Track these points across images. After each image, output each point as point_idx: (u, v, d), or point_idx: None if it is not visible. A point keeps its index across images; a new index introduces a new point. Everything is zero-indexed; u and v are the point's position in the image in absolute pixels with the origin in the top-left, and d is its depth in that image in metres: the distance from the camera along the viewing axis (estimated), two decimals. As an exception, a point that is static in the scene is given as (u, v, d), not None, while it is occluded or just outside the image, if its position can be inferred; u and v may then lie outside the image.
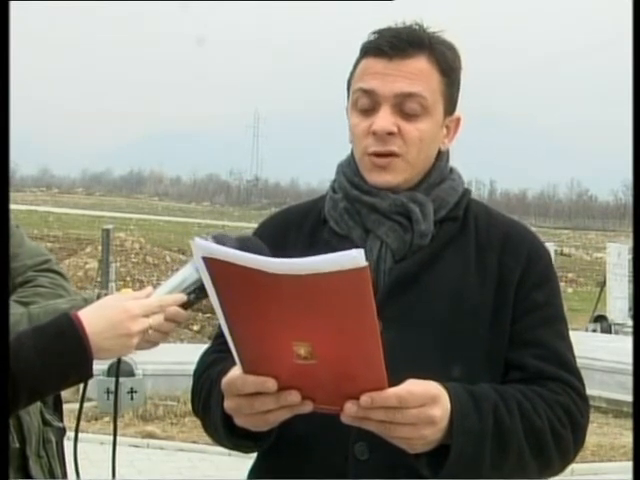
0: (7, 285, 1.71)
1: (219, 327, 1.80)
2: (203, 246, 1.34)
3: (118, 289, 13.70)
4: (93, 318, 1.58)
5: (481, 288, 1.67)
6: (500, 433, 1.53)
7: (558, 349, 1.67)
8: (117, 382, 1.86)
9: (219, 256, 1.32)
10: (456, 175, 1.79)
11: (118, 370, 1.82)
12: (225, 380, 1.48)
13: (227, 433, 1.60)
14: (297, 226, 1.79)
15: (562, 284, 27.97)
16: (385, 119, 1.66)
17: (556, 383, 1.64)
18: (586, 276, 32.07)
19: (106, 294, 1.86)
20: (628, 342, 10.80)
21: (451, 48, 1.73)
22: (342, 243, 1.66)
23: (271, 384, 1.40)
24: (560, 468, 1.65)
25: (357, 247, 1.29)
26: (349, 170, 1.77)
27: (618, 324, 16.18)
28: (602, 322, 16.46)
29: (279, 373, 1.40)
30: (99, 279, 15.25)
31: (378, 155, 1.69)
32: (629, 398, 8.71)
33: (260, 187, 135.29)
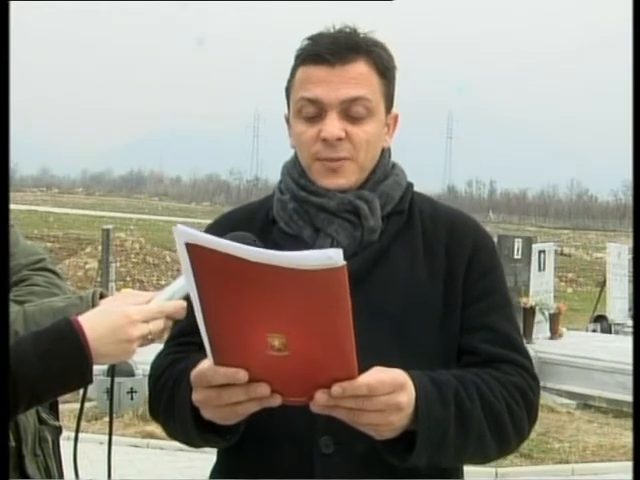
0: (7, 285, 1.71)
1: (173, 329, 1.79)
2: (186, 232, 1.34)
3: (118, 289, 13.70)
4: (94, 323, 1.57)
5: (431, 278, 1.72)
6: (462, 417, 1.57)
7: (507, 332, 1.73)
8: (112, 383, 1.86)
9: (201, 242, 1.33)
10: (399, 170, 1.83)
11: (113, 372, 1.82)
12: (195, 372, 1.49)
13: (194, 427, 1.60)
14: (245, 228, 1.78)
15: (562, 284, 28.01)
16: (333, 125, 1.69)
17: (508, 365, 1.68)
18: (586, 276, 32.07)
19: (102, 292, 1.85)
20: (628, 342, 10.78)
21: (385, 49, 1.77)
22: (292, 243, 1.69)
23: (242, 375, 1.41)
24: (516, 445, 1.70)
25: (307, 246, 1.29)
26: (295, 172, 1.80)
27: (618, 324, 16.16)
28: (602, 322, 16.45)
29: (251, 365, 1.41)
30: (99, 279, 15.25)
31: (329, 160, 1.72)
32: (629, 398, 8.71)
33: (260, 187, 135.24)
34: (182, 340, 1.74)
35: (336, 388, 1.40)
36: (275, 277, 1.30)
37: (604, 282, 17.65)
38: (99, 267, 15.98)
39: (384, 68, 1.74)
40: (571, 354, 10.67)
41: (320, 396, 1.41)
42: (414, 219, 1.78)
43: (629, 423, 8.37)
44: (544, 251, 14.63)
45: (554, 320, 13.24)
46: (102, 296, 1.82)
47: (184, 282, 1.65)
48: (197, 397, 1.51)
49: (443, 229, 1.77)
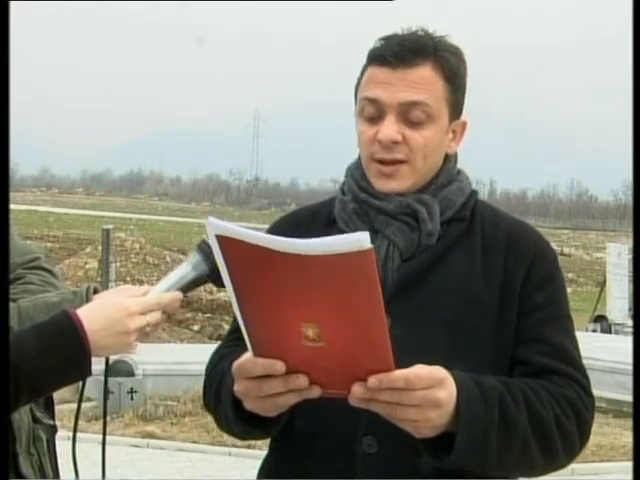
0: (7, 284, 1.71)
1: (231, 325, 1.85)
2: (216, 224, 1.36)
3: (118, 289, 13.63)
4: (92, 316, 1.59)
5: (487, 287, 1.70)
6: (506, 422, 1.55)
7: (563, 345, 1.70)
8: (106, 382, 1.87)
9: (232, 234, 1.34)
10: (464, 177, 1.82)
11: (107, 368, 1.82)
12: (236, 363, 1.50)
13: (237, 419, 1.63)
14: (306, 227, 1.81)
15: (562, 284, 27.98)
16: (390, 128, 1.69)
17: (561, 377, 1.66)
18: (586, 276, 32.11)
19: (95, 287, 1.86)
20: (628, 342, 10.79)
21: (456, 54, 1.76)
22: None
23: (279, 366, 1.42)
24: (565, 461, 1.66)
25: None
26: (357, 173, 1.81)
27: (618, 324, 16.19)
28: (602, 322, 16.47)
29: (288, 356, 1.41)
30: (99, 279, 15.24)
31: (384, 162, 1.73)
32: (629, 398, 8.71)
33: (260, 187, 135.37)
34: (236, 336, 1.74)
35: (372, 380, 1.39)
36: (304, 266, 1.30)
37: (604, 282, 17.67)
38: (99, 267, 15.98)
39: (451, 74, 1.73)
40: (571, 354, 10.64)
41: (357, 389, 1.41)
42: (475, 226, 1.76)
43: (629, 423, 8.37)
44: (544, 251, 14.61)
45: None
46: (96, 291, 1.83)
47: (181, 274, 1.67)
48: (238, 388, 1.52)
49: (503, 238, 1.75)
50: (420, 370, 1.43)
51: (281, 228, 1.82)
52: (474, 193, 1.81)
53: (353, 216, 1.77)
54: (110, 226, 16.24)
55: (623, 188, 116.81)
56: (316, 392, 1.45)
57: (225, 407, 1.65)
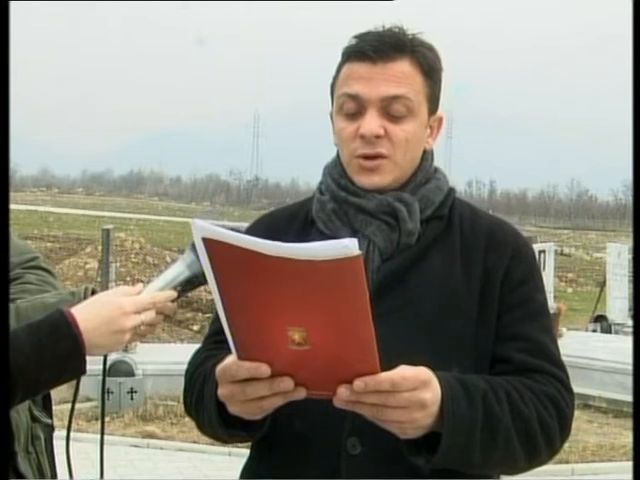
0: (7, 284, 1.71)
1: (210, 327, 1.85)
2: (202, 227, 1.35)
3: (118, 289, 13.61)
4: (87, 315, 1.60)
5: (467, 285, 1.71)
6: (489, 420, 1.56)
7: (542, 342, 1.71)
8: (104, 380, 1.89)
9: (218, 237, 1.33)
10: (441, 174, 1.82)
11: (105, 368, 1.83)
12: (220, 367, 1.50)
13: (220, 422, 1.62)
14: (284, 228, 1.80)
15: (562, 284, 27.99)
16: (372, 122, 1.70)
17: (542, 375, 1.67)
18: (586, 276, 32.06)
19: (93, 289, 1.87)
20: (628, 342, 10.78)
21: (431, 49, 1.77)
22: None
23: (264, 369, 1.42)
24: (547, 457, 1.68)
25: None
26: (335, 172, 1.81)
27: (618, 324, 16.16)
28: (602, 322, 16.45)
29: (273, 359, 1.41)
30: (99, 279, 15.23)
31: (366, 157, 1.72)
32: (629, 398, 8.71)
33: (260, 187, 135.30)
34: (217, 338, 1.75)
35: (358, 383, 1.39)
36: (292, 269, 1.30)
37: (604, 282, 17.65)
38: (99, 267, 15.97)
39: (429, 68, 1.74)
40: (571, 354, 10.64)
41: (343, 391, 1.41)
42: (453, 225, 1.77)
43: (629, 423, 8.37)
44: (544, 251, 14.63)
45: (554, 320, 13.21)
46: (94, 292, 1.84)
47: (175, 273, 1.67)
48: (222, 392, 1.52)
49: (482, 236, 1.76)
50: (405, 372, 1.43)
51: (259, 229, 1.80)
52: (452, 191, 1.82)
53: (332, 216, 1.76)
54: (110, 226, 16.20)
55: (623, 188, 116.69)
56: (301, 394, 1.45)
57: (208, 410, 1.64)
